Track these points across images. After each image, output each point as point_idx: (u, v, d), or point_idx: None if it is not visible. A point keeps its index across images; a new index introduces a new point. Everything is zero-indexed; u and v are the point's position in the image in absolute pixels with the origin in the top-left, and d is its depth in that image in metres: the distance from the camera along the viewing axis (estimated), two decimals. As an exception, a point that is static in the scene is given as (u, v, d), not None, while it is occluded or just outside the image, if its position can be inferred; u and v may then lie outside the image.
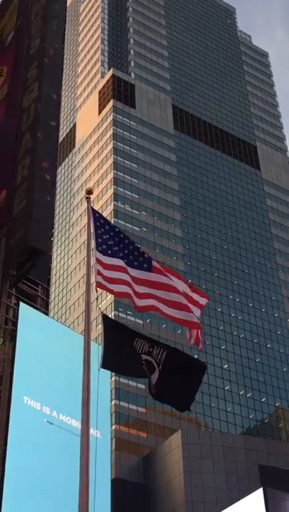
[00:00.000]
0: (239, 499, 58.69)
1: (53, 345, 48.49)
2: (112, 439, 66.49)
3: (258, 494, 56.46)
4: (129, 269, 12.52)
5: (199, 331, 12.70)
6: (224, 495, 69.99)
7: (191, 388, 12.20)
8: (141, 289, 12.37)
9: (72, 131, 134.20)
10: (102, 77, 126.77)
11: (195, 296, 12.80)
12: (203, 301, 12.87)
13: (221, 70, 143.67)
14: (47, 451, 43.46)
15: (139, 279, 12.44)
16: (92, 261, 12.59)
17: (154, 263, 12.75)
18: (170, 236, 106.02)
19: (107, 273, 12.44)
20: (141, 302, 12.50)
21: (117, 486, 67.43)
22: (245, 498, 57.83)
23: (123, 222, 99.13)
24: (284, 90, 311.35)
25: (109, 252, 12.61)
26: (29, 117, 29.45)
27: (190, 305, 12.49)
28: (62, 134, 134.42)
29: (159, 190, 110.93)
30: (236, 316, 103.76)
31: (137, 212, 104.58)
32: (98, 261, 12.42)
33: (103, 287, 12.38)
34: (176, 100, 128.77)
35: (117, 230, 13.04)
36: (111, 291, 12.56)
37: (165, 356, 11.82)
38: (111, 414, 70.93)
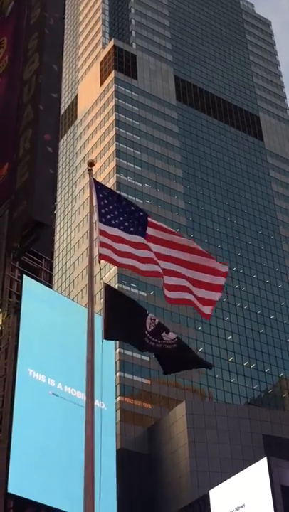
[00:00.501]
0: (243, 468, 59.29)
1: (57, 318, 48.67)
2: (117, 411, 67.07)
3: (262, 463, 57.02)
4: (131, 236, 12.47)
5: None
6: (228, 464, 70.66)
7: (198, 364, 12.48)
8: (139, 253, 12.35)
9: (74, 103, 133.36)
10: (104, 47, 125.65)
11: (212, 264, 12.75)
12: (224, 268, 12.88)
13: (223, 39, 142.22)
14: (52, 423, 43.82)
15: (136, 243, 12.42)
16: (95, 234, 12.54)
17: (150, 231, 12.62)
18: (173, 208, 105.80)
19: (112, 243, 12.40)
20: (144, 266, 12.47)
21: (122, 457, 68.07)
22: (250, 467, 58.41)
23: (126, 195, 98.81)
24: (287, 60, 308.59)
25: (113, 222, 12.56)
26: (30, 89, 29.17)
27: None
28: (64, 106, 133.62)
29: (162, 162, 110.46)
30: (240, 288, 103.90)
31: (140, 185, 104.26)
32: (102, 232, 12.36)
33: (107, 258, 12.33)
34: (178, 71, 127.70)
35: (123, 202, 12.96)
36: (114, 262, 12.51)
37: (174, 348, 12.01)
38: (116, 386, 71.42)
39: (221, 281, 12.67)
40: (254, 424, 77.22)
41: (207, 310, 12.56)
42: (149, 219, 12.71)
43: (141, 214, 12.68)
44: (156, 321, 11.98)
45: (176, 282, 12.45)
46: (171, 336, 11.97)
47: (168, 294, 12.47)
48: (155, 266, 12.41)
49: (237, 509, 56.43)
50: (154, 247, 12.41)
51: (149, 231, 12.54)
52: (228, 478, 59.96)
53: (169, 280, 12.40)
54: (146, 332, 11.80)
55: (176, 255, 12.36)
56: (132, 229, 12.50)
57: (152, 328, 11.85)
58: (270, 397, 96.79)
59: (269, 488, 54.91)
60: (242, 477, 58.07)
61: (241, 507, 56.10)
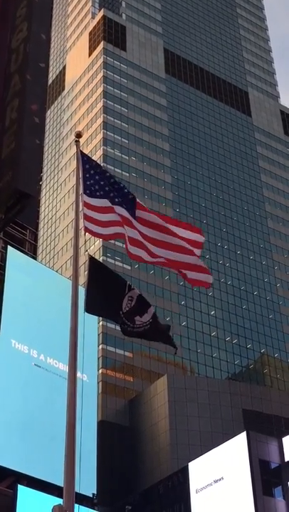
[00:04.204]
0: (223, 442, 59.92)
1: (41, 289, 48.68)
2: (98, 383, 67.38)
3: (242, 437, 57.66)
4: (117, 207, 12.37)
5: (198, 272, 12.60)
6: (208, 438, 71.37)
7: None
8: (130, 233, 12.25)
9: (62, 74, 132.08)
10: (93, 17, 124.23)
11: (193, 236, 12.63)
12: (200, 238, 12.79)
13: (213, 12, 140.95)
14: (34, 393, 44.03)
15: (127, 219, 12.32)
16: (80, 206, 12.47)
17: (138, 213, 12.51)
18: (159, 182, 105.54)
19: (96, 215, 12.31)
20: (132, 249, 12.37)
21: (104, 428, 68.55)
22: (229, 441, 59.05)
23: (112, 167, 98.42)
24: (277, 35, 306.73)
25: (97, 194, 12.48)
26: (18, 58, 28.78)
27: (187, 245, 12.35)
28: (52, 76, 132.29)
29: (149, 135, 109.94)
30: (224, 263, 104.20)
31: (127, 158, 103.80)
32: (86, 204, 12.29)
33: (91, 232, 12.27)
34: (168, 43, 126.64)
35: (107, 174, 12.87)
36: (99, 236, 12.45)
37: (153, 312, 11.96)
38: (98, 359, 71.67)
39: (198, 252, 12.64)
40: (234, 398, 77.92)
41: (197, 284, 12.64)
42: (137, 200, 12.63)
43: (130, 197, 12.60)
44: (134, 301, 11.87)
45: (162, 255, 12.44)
46: (145, 318, 11.87)
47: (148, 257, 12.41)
48: (142, 251, 12.37)
49: (215, 482, 57.13)
50: (142, 228, 12.35)
51: (138, 213, 12.47)
52: (207, 452, 60.61)
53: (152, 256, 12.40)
54: (121, 313, 11.81)
55: (163, 239, 12.32)
56: (116, 200, 12.42)
57: (127, 309, 11.82)
58: (251, 373, 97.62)
59: (248, 461, 55.59)
60: (221, 451, 58.71)
61: (220, 480, 56.80)
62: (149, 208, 13.24)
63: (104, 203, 12.39)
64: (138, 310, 11.78)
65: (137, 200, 12.61)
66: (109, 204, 12.39)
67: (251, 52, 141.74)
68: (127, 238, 12.21)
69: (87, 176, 12.60)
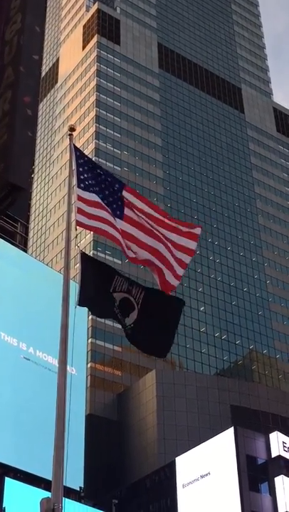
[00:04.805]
0: (210, 437, 60.11)
1: (31, 282, 48.61)
2: (87, 377, 67.40)
3: (229, 433, 57.88)
4: (108, 209, 12.31)
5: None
6: (196, 433, 71.54)
7: (168, 334, 12.03)
8: (124, 235, 12.17)
9: (55, 66, 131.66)
10: (87, 10, 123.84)
11: (183, 241, 12.37)
12: (193, 245, 12.45)
13: (208, 8, 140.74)
14: (23, 386, 43.98)
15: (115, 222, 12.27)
16: (73, 198, 12.42)
17: (126, 211, 12.39)
18: (151, 177, 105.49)
19: (89, 209, 12.24)
20: (130, 253, 12.25)
21: (91, 422, 68.60)
22: (216, 436, 59.25)
23: (104, 161, 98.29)
24: (272, 32, 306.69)
25: (91, 189, 12.44)
26: (11, 50, 28.66)
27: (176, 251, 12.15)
28: (45, 68, 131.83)
29: (142, 129, 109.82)
30: (214, 259, 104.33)
31: (119, 152, 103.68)
32: (79, 198, 12.23)
33: (84, 225, 12.21)
34: (162, 38, 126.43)
35: (98, 171, 12.82)
36: (92, 229, 12.38)
37: (144, 296, 11.74)
38: (87, 352, 71.72)
39: (193, 245, 12.40)
40: (222, 394, 78.12)
41: (175, 282, 12.26)
42: (125, 196, 12.47)
43: (118, 195, 12.49)
44: (117, 302, 11.76)
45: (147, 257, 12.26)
46: (128, 322, 11.72)
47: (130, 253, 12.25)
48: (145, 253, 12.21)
49: (202, 477, 57.33)
50: (129, 228, 12.26)
51: (126, 211, 12.39)
52: (194, 447, 60.77)
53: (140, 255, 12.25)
54: (115, 310, 11.74)
55: (145, 241, 12.17)
56: (109, 208, 12.32)
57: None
58: (239, 369, 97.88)
59: (234, 457, 55.84)
60: (208, 446, 58.90)
61: (206, 475, 57.00)
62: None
63: (98, 199, 12.33)
64: (124, 309, 11.73)
65: (126, 196, 12.49)
66: (101, 201, 12.34)
67: (245, 49, 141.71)
68: (122, 241, 12.11)
69: (81, 170, 12.56)
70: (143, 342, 11.91)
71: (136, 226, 12.26)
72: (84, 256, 11.97)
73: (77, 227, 12.10)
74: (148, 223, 12.30)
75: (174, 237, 12.27)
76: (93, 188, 12.42)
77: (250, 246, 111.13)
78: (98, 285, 11.87)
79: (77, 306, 11.47)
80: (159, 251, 12.16)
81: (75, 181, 12.44)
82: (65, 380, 10.43)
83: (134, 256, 12.20)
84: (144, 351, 12.40)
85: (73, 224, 12.24)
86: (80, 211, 12.15)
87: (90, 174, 12.56)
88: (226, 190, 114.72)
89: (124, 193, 12.45)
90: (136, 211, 12.36)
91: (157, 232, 12.23)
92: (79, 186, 12.36)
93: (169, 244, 12.20)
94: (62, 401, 10.19)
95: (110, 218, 12.22)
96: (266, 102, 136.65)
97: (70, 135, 13.19)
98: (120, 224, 12.22)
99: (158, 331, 11.78)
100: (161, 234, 12.25)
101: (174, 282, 12.16)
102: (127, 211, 12.34)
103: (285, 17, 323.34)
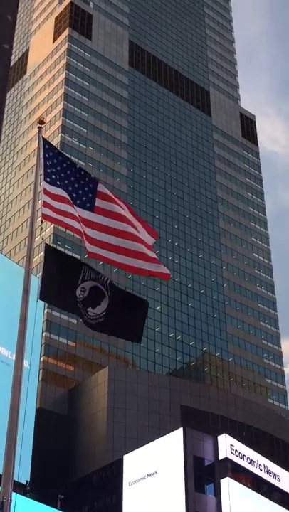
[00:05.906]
0: (159, 437, 60.26)
1: (-12, 272, 48.10)
2: (39, 370, 67.01)
3: (178, 433, 58.07)
4: (74, 206, 12.23)
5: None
6: (145, 432, 71.68)
7: (138, 321, 12.04)
8: (89, 232, 12.07)
9: (25, 56, 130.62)
10: (60, 3, 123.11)
11: (146, 237, 12.44)
12: (150, 240, 12.55)
13: (181, 9, 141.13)
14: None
15: (83, 218, 12.16)
16: (39, 188, 12.34)
17: (98, 202, 12.33)
18: (115, 174, 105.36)
19: (54, 204, 12.19)
20: (92, 248, 12.12)
21: (41, 416, 68.24)
22: (165, 436, 59.41)
23: (69, 156, 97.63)
24: (243, 38, 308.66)
25: (57, 183, 12.36)
26: (-18, 37, 28.44)
27: (146, 250, 12.10)
28: (14, 58, 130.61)
29: (108, 126, 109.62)
30: (173, 260, 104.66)
31: (84, 147, 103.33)
32: (45, 191, 12.16)
33: (49, 219, 12.14)
34: (134, 36, 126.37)
35: (68, 163, 12.74)
36: (57, 222, 12.31)
37: (110, 283, 11.71)
38: (41, 346, 71.31)
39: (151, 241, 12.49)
40: (173, 394, 78.42)
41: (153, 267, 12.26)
42: (98, 189, 12.40)
43: (90, 186, 12.39)
44: (86, 292, 11.68)
45: (112, 257, 12.19)
46: (98, 310, 11.63)
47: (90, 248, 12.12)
48: (102, 251, 12.11)
49: (149, 476, 57.43)
50: (101, 219, 12.17)
51: (98, 202, 12.30)
52: (143, 445, 60.87)
53: (104, 253, 12.13)
54: (78, 304, 11.65)
55: (124, 229, 12.11)
56: (78, 201, 12.25)
57: (81, 299, 11.65)
58: (191, 370, 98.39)
59: (182, 457, 56.03)
60: (157, 445, 59.03)
61: (153, 474, 57.11)
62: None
63: (64, 193, 12.25)
64: (90, 301, 11.61)
65: (98, 188, 12.44)
66: (68, 196, 12.26)
67: (215, 53, 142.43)
68: (84, 237, 12.02)
69: (48, 164, 12.46)
70: (117, 326, 11.88)
71: (109, 216, 12.20)
72: (48, 248, 11.88)
73: (43, 220, 12.04)
74: (120, 214, 12.30)
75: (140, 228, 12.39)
76: (61, 182, 12.34)
77: (210, 249, 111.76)
78: (62, 278, 11.78)
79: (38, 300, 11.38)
80: (131, 241, 12.13)
81: (42, 173, 12.36)
82: (22, 373, 10.34)
83: (95, 252, 12.13)
84: (119, 336, 12.42)
85: (38, 212, 12.17)
86: (45, 205, 12.10)
87: (59, 167, 12.47)
88: (188, 192, 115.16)
89: (98, 186, 12.42)
90: (109, 202, 12.33)
91: (129, 224, 12.25)
92: (45, 180, 12.29)
93: (139, 235, 12.26)
94: (17, 394, 10.10)
95: (75, 212, 12.17)
96: (233, 107, 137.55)
97: (40, 128, 13.08)
98: (89, 215, 12.16)
99: (130, 317, 11.81)
100: (133, 225, 12.30)
101: (152, 267, 12.19)
102: (98, 203, 12.27)
103: (257, 23, 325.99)
